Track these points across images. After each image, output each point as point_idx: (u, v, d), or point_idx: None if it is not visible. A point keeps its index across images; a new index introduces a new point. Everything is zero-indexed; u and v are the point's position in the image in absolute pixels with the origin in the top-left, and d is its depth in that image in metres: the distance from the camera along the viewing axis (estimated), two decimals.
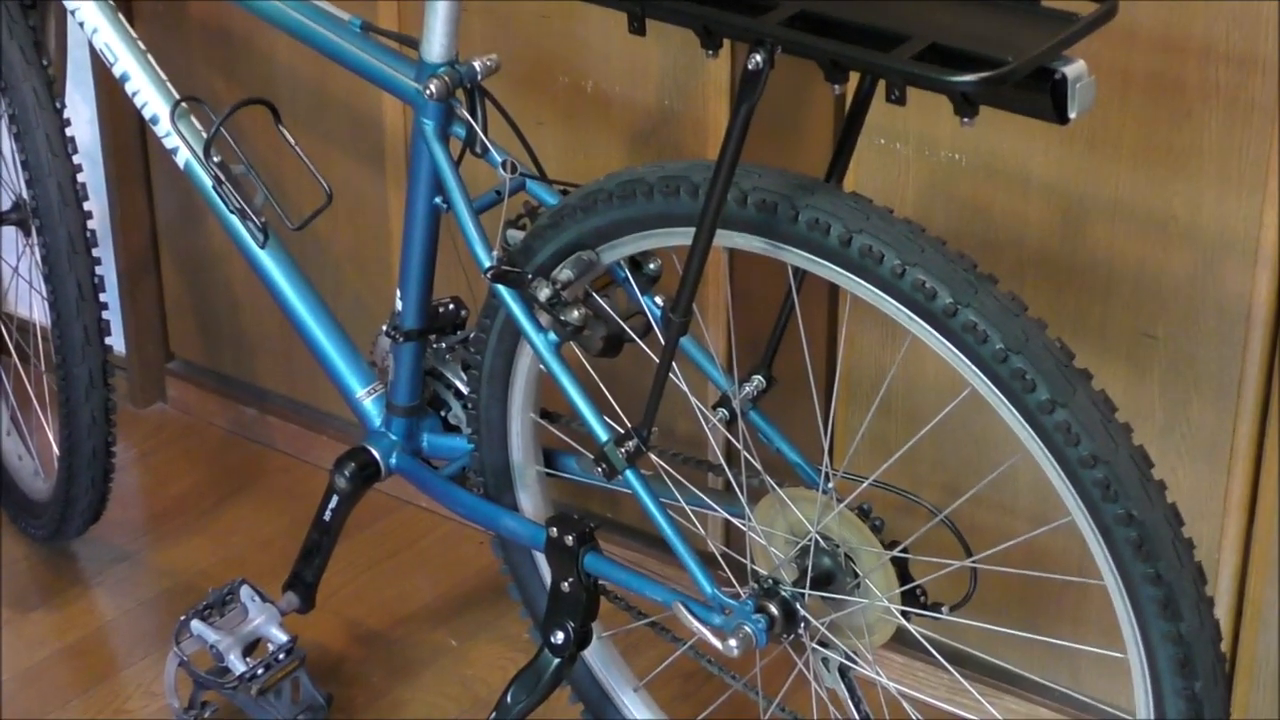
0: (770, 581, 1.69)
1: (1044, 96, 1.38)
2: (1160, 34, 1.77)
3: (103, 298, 2.22)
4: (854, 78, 1.50)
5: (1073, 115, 1.38)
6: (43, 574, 2.46)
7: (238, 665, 2.01)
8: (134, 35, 2.07)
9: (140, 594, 2.42)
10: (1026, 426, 1.46)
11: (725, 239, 1.58)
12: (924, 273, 1.47)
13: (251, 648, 2.04)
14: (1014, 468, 1.68)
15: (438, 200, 1.84)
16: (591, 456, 1.70)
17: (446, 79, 1.78)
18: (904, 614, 1.64)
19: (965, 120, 1.39)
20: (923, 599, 1.65)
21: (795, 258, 1.54)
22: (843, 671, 1.72)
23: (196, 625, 2.03)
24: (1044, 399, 1.44)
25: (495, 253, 1.75)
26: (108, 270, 2.39)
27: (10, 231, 2.44)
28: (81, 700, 2.22)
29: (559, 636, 1.82)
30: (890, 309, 1.50)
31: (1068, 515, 1.49)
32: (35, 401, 2.47)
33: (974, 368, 1.47)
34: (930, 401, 1.94)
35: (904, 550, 1.63)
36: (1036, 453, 1.47)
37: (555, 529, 1.79)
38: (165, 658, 2.04)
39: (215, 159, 1.97)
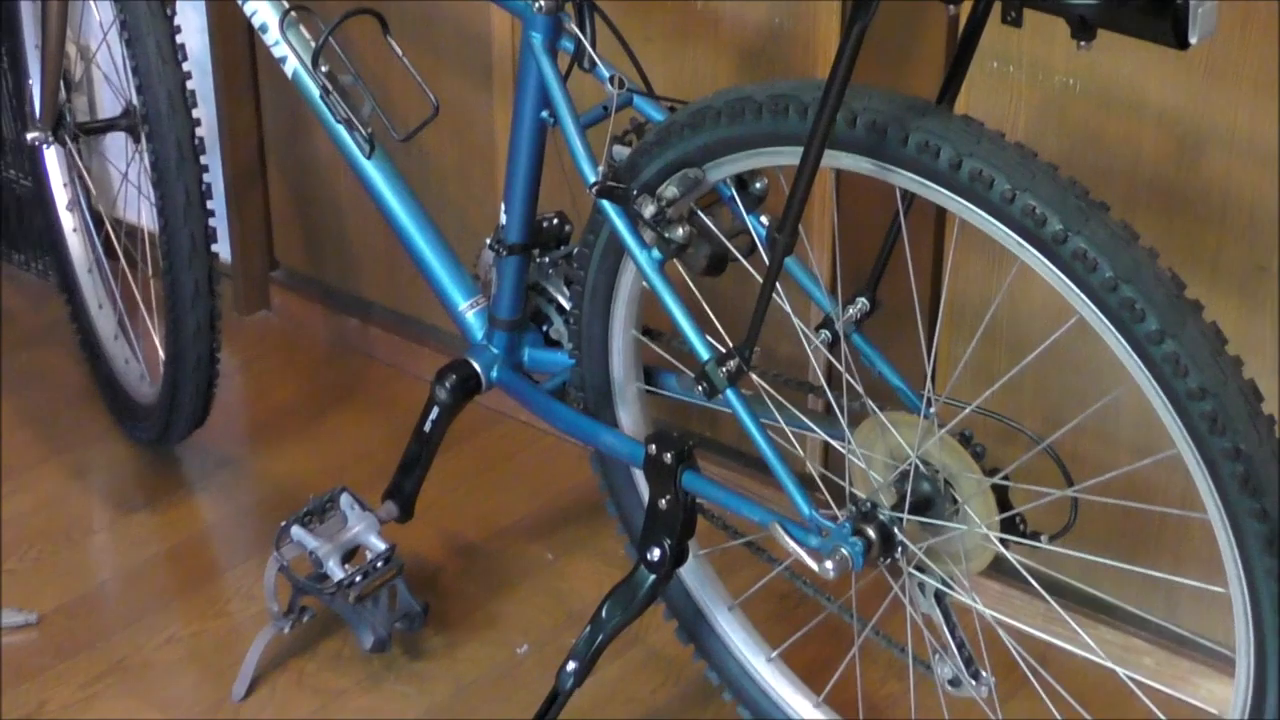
0: (868, 505, 1.68)
1: (1164, 20, 1.36)
2: None
3: (210, 205, 2.24)
4: None
5: (1193, 40, 1.36)
6: (147, 477, 2.50)
7: (336, 572, 2.03)
8: None
9: (242, 499, 2.45)
10: (1134, 357, 1.45)
11: (833, 160, 1.57)
12: (1034, 198, 1.45)
13: (350, 555, 2.06)
14: (1118, 398, 1.66)
15: (544, 115, 1.84)
16: (692, 375, 1.70)
17: None
18: (1002, 542, 1.63)
19: (1082, 44, 1.37)
20: (1022, 527, 1.64)
21: (904, 180, 1.53)
22: (938, 597, 1.71)
23: (297, 531, 2.05)
24: (1153, 329, 1.42)
25: (601, 168, 1.74)
26: (215, 178, 2.40)
27: (120, 137, 2.46)
28: (182, 601, 2.25)
29: (655, 553, 1.83)
30: (999, 234, 1.48)
31: (1173, 448, 1.47)
32: (142, 306, 2.50)
33: (1082, 296, 1.45)
34: (1035, 329, 1.92)
35: (1004, 478, 1.62)
36: (1143, 383, 1.46)
37: (654, 446, 1.79)
38: (265, 562, 2.06)
39: (323, 68, 1.98)
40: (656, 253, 1.72)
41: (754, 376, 1.72)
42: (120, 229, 2.54)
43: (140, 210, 2.49)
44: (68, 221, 2.59)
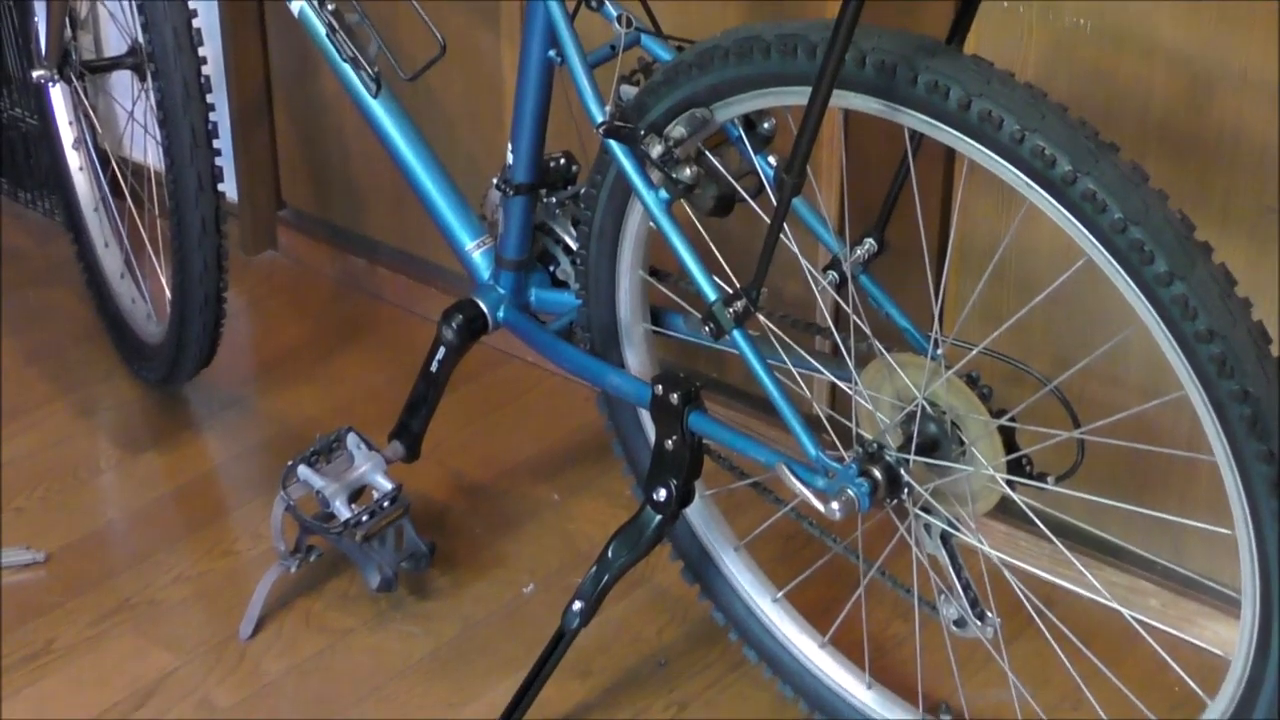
0: (875, 446, 1.68)
1: None
2: None
3: (216, 144, 2.23)
4: None
5: None
6: (154, 417, 2.50)
7: (343, 511, 2.03)
8: None
9: (249, 439, 2.45)
10: (1143, 299, 1.44)
11: (842, 100, 1.56)
12: (1044, 139, 1.44)
13: (357, 495, 2.07)
14: (1126, 340, 1.66)
15: (551, 54, 1.83)
16: (699, 316, 1.70)
17: None
18: (1009, 483, 1.63)
19: None
20: (1028, 468, 1.64)
21: (913, 120, 1.52)
22: (944, 538, 1.71)
23: (303, 471, 2.05)
24: (1162, 271, 1.42)
25: (608, 108, 1.73)
26: (221, 118, 2.39)
27: (126, 76, 2.45)
28: (190, 540, 2.26)
29: (661, 494, 1.83)
30: (1008, 175, 1.48)
31: (1180, 390, 1.47)
32: (149, 246, 2.49)
33: (1091, 237, 1.45)
34: (1044, 271, 1.91)
35: (1011, 419, 1.62)
36: (1151, 326, 1.45)
37: (661, 387, 1.79)
38: (272, 502, 2.07)
39: (329, 6, 1.97)
40: (664, 193, 1.72)
41: (761, 317, 1.71)
42: (126, 168, 2.53)
43: (146, 149, 2.48)
44: (73, 160, 2.58)
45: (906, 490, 1.68)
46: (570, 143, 1.98)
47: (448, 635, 2.10)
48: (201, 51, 2.20)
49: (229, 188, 2.60)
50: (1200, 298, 1.42)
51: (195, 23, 2.20)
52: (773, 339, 1.75)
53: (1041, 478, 1.64)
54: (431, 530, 2.21)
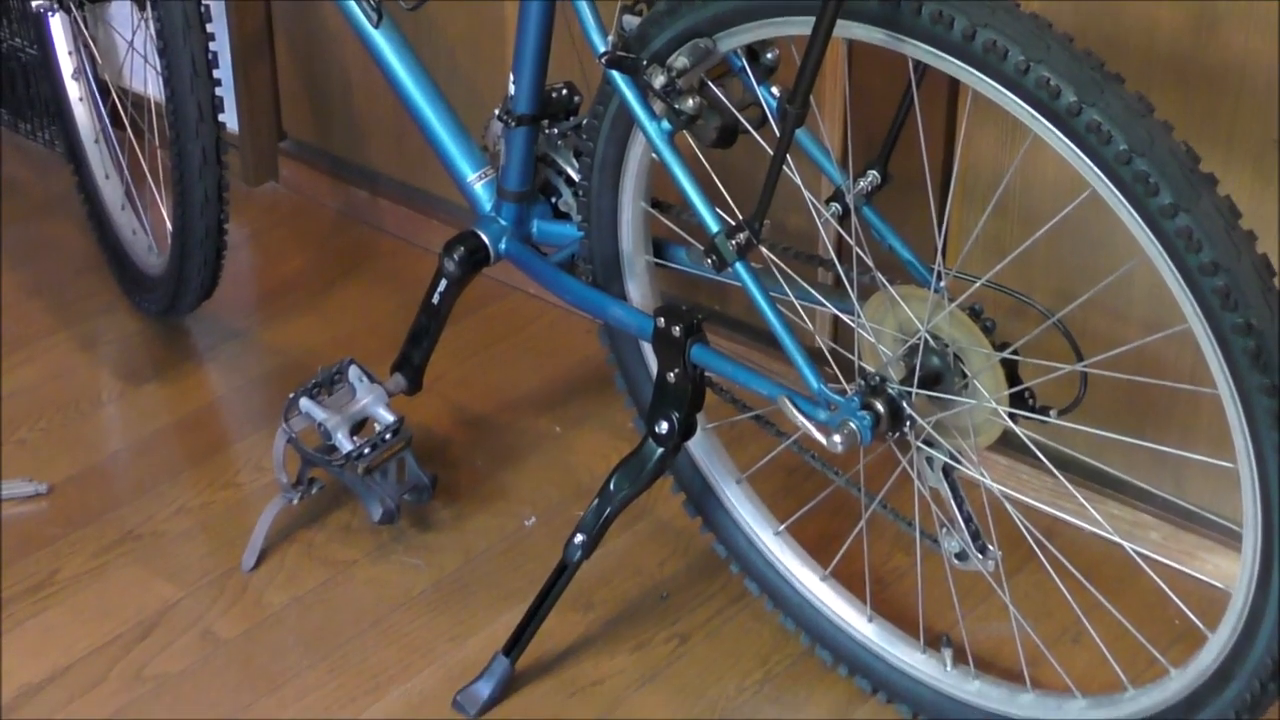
0: (877, 379, 1.68)
1: None
2: None
3: (216, 74, 2.22)
4: None
5: None
6: (156, 349, 2.50)
7: (345, 444, 2.03)
8: None
9: (250, 371, 2.45)
10: (1147, 231, 1.44)
11: (845, 29, 1.55)
12: (1049, 70, 1.43)
13: (359, 427, 2.07)
14: (1130, 273, 1.65)
15: None
16: (701, 248, 1.69)
17: None
18: (1011, 416, 1.63)
19: None
20: (1031, 402, 1.64)
21: (916, 51, 1.51)
22: (946, 471, 1.71)
23: (305, 403, 2.05)
24: (1167, 203, 1.41)
25: (610, 38, 1.72)
26: (221, 49, 2.38)
27: (125, 6, 2.44)
28: (192, 472, 2.26)
29: (663, 427, 1.83)
30: (1012, 106, 1.47)
31: (1184, 323, 1.47)
32: (150, 177, 2.48)
33: (1096, 169, 1.44)
34: (1048, 203, 1.91)
35: (1014, 352, 1.62)
36: (1155, 258, 1.45)
37: (663, 319, 1.79)
38: (274, 434, 2.07)
39: None
40: (666, 124, 1.71)
41: (763, 250, 1.71)
42: (126, 98, 2.52)
43: (146, 80, 2.47)
44: (73, 90, 2.57)
45: (908, 423, 1.68)
46: (572, 73, 1.97)
47: (449, 567, 2.10)
48: None
49: (230, 119, 2.59)
50: (1205, 230, 1.41)
51: None
52: (775, 271, 1.75)
53: (1044, 411, 1.64)
54: (433, 463, 2.21)
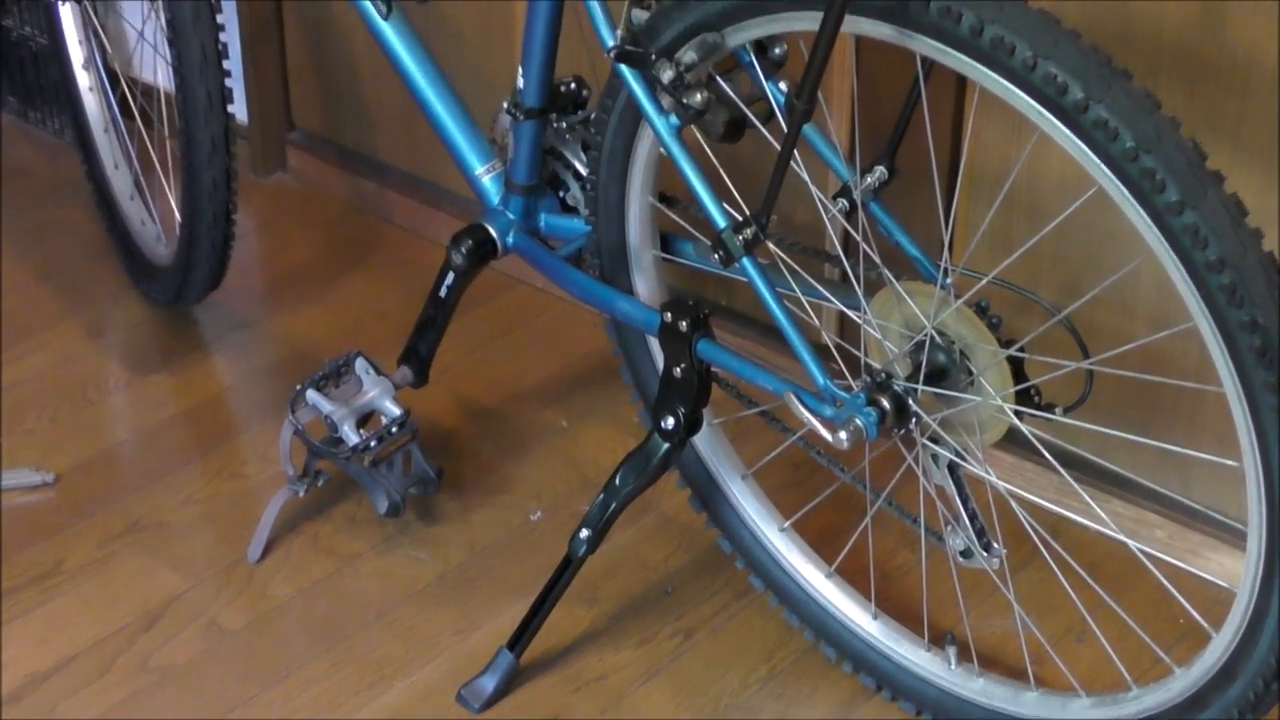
0: (883, 375, 1.68)
1: None
2: None
3: (226, 65, 2.22)
4: None
5: None
6: (164, 338, 2.50)
7: (351, 436, 2.03)
8: None
9: (258, 361, 2.45)
10: (1154, 228, 1.44)
11: (853, 25, 1.55)
12: (1056, 66, 1.43)
13: (365, 419, 2.07)
14: (1136, 270, 1.65)
15: None
16: (708, 242, 1.69)
17: None
18: (1017, 413, 1.63)
19: None
20: (1036, 399, 1.64)
21: (924, 46, 1.51)
22: (952, 468, 1.71)
23: (312, 395, 2.05)
24: (1173, 200, 1.41)
25: (619, 32, 1.72)
26: (231, 38, 2.38)
27: None
28: (199, 462, 2.26)
29: (669, 421, 1.83)
30: (1019, 102, 1.47)
31: (1190, 320, 1.46)
32: (158, 167, 2.49)
33: (1103, 165, 1.44)
34: (1054, 199, 1.90)
35: (1020, 349, 1.62)
36: (1162, 255, 1.45)
37: (669, 314, 1.78)
38: (281, 425, 2.07)
39: None
40: (674, 118, 1.71)
41: (770, 245, 1.71)
42: (136, 88, 2.52)
43: (156, 70, 2.47)
44: (83, 80, 2.57)
45: (914, 420, 1.68)
46: (581, 67, 1.97)
47: (455, 560, 2.10)
48: None
49: (239, 109, 2.59)
50: (1211, 227, 1.41)
51: None
52: (782, 266, 1.74)
53: (1049, 408, 1.64)
54: (439, 455, 2.21)
